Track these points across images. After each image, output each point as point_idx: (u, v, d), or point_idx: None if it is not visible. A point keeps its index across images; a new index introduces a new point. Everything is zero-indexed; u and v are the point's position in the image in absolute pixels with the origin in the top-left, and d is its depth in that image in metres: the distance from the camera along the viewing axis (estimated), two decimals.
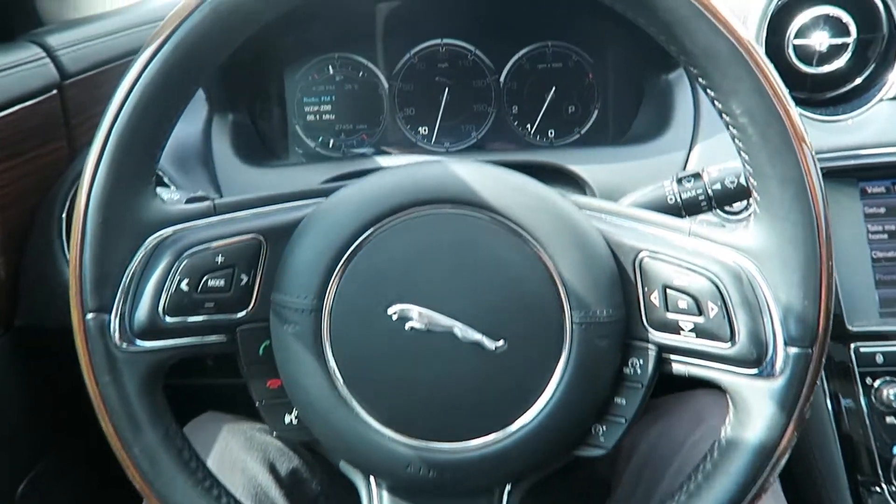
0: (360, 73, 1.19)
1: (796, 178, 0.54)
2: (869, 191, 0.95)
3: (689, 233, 0.62)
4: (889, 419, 0.89)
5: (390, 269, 0.63)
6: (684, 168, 1.00)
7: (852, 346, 0.90)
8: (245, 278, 0.68)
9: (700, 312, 0.59)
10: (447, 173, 0.68)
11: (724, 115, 0.55)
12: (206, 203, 0.69)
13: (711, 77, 0.55)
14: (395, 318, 0.61)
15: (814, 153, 0.57)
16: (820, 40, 1.03)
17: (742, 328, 0.58)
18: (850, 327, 0.91)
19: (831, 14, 1.03)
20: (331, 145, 1.21)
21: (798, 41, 1.04)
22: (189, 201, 0.82)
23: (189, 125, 1.09)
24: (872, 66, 0.97)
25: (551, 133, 1.20)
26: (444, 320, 0.60)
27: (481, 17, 1.14)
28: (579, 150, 1.03)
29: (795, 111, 0.54)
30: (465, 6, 1.11)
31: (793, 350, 0.57)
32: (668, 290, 0.61)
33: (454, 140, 1.20)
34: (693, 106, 1.04)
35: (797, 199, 0.55)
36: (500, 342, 0.61)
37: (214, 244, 0.63)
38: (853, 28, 1.03)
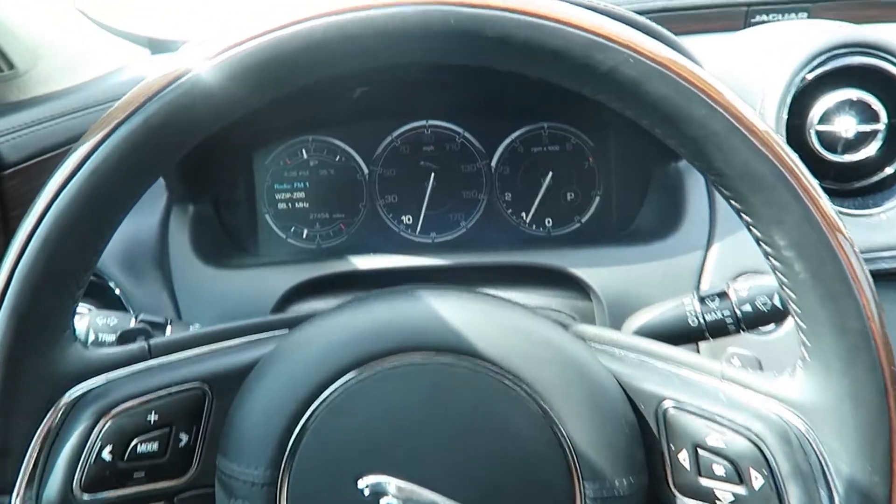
0: (337, 158, 1.12)
1: (858, 329, 0.46)
2: None
3: (722, 376, 0.54)
4: None
5: (361, 431, 0.53)
6: (701, 272, 0.89)
7: None
8: (185, 438, 0.56)
9: (741, 481, 0.50)
10: (428, 311, 0.56)
11: (763, 245, 0.48)
12: (138, 345, 0.58)
13: (749, 202, 0.48)
14: (366, 492, 0.51)
15: (876, 296, 0.47)
16: (846, 126, 0.93)
17: None
18: None
19: (859, 98, 0.93)
20: (305, 236, 1.13)
21: (822, 127, 0.94)
22: (122, 337, 0.69)
23: (144, 217, 0.99)
24: None
25: (548, 222, 1.13)
26: (427, 495, 0.51)
27: (470, 97, 1.07)
28: (582, 251, 0.95)
29: (853, 247, 0.47)
30: (451, 86, 1.04)
31: None
32: (701, 451, 0.52)
33: (441, 230, 1.12)
34: (707, 198, 0.95)
35: (859, 352, 0.46)
36: None
37: (146, 398, 0.54)
38: (884, 114, 0.92)
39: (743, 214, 0.48)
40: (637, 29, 0.51)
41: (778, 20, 1.40)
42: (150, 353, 0.57)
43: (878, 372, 0.46)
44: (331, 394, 0.53)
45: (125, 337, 0.68)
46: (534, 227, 1.12)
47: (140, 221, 0.98)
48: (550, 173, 1.11)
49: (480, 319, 0.55)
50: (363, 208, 1.12)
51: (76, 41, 1.16)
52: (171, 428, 0.55)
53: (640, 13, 1.33)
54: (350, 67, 0.49)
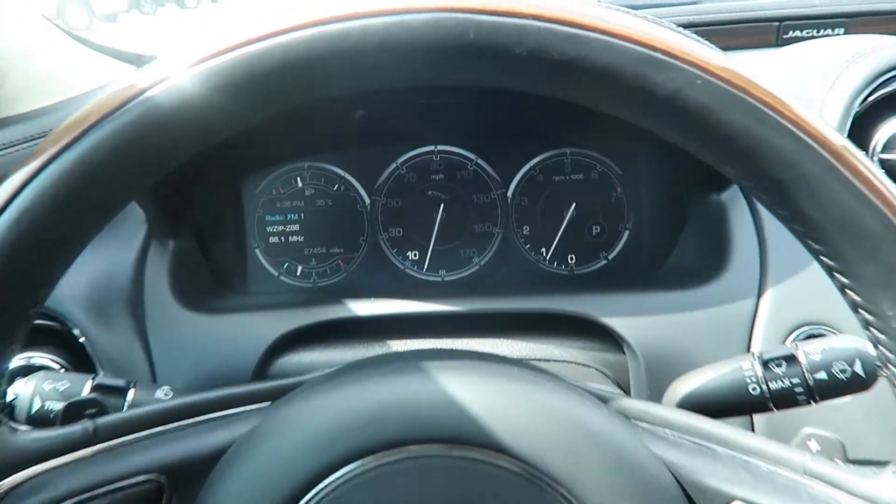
0: (336, 187, 1.03)
1: None
2: None
3: (805, 471, 0.45)
4: None
5: None
6: (752, 324, 0.78)
7: None
8: None
9: None
10: (441, 390, 0.46)
11: (864, 312, 0.40)
12: (81, 426, 0.48)
13: (848, 260, 0.40)
14: None
15: None
16: None
17: None
18: None
19: None
20: (299, 273, 1.03)
21: (886, 155, 0.82)
22: (67, 412, 0.58)
23: (117, 254, 0.89)
24: None
25: (571, 259, 1.03)
26: None
27: (484, 119, 1.01)
28: (613, 296, 0.85)
29: None
30: (464, 107, 0.96)
31: None
32: None
33: (451, 267, 1.03)
34: (756, 235, 0.85)
35: None
36: None
37: (90, 494, 0.45)
38: None
39: (838, 274, 0.41)
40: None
41: (813, 36, 1.29)
42: (96, 436, 0.48)
43: None
44: (323, 491, 0.43)
45: (71, 411, 0.57)
46: (555, 264, 1.03)
47: (113, 259, 0.88)
48: (574, 204, 1.02)
49: (504, 400, 0.46)
50: (364, 243, 1.03)
51: (49, 58, 1.06)
52: None
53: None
54: (336, 90, 0.41)
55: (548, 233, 1.03)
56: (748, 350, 0.80)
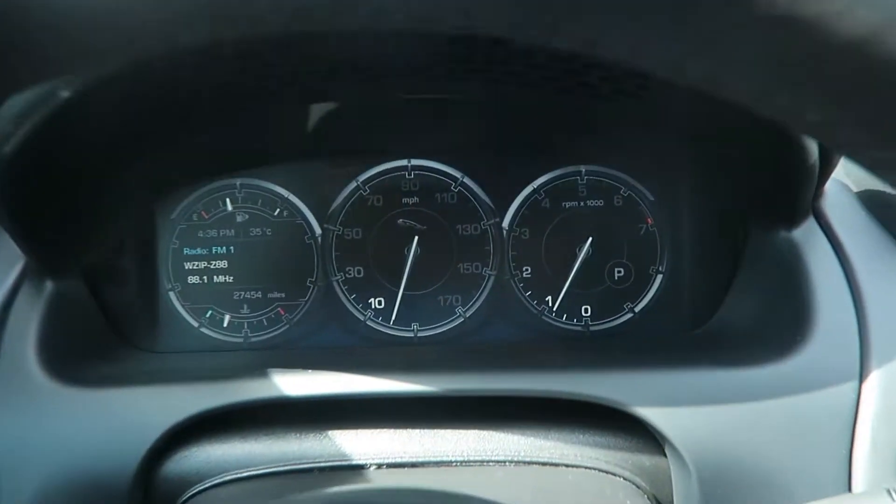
0: (277, 211, 0.84)
1: None
2: None
3: None
4: None
5: None
6: (854, 420, 0.59)
7: None
8: None
9: None
10: None
11: None
12: None
13: None
14: None
15: None
16: None
17: None
18: None
19: None
20: (226, 325, 0.84)
21: None
22: None
23: None
24: None
25: (586, 312, 0.83)
26: None
27: (475, 125, 0.81)
28: (647, 373, 0.64)
29: None
30: (448, 109, 0.76)
31: None
32: None
33: (427, 320, 0.84)
34: (847, 286, 0.65)
35: None
36: None
37: None
38: None
39: None
40: None
41: None
42: None
43: None
44: None
45: None
46: (564, 318, 0.84)
47: None
48: (590, 239, 0.84)
49: None
50: (313, 286, 0.85)
51: None
52: None
53: None
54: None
55: (555, 276, 0.85)
56: (849, 457, 0.59)
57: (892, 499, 0.43)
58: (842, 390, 0.60)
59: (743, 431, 0.60)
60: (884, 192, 0.72)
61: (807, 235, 0.69)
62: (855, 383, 0.60)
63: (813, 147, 0.62)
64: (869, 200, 0.72)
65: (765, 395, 0.61)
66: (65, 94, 0.51)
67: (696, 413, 0.61)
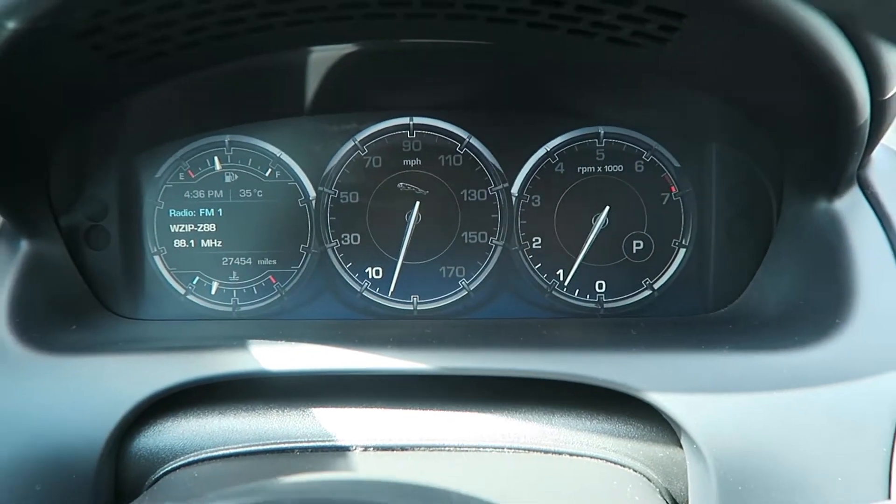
0: (269, 172, 0.79)
1: None
2: None
3: None
4: None
5: None
6: None
7: None
8: None
9: None
10: None
11: None
12: None
13: None
14: None
15: None
16: None
17: None
18: None
19: None
20: (214, 292, 0.80)
21: None
22: None
23: None
24: None
25: (600, 287, 0.77)
26: None
27: (485, 81, 0.74)
28: (664, 356, 0.59)
29: None
30: (458, 60, 0.70)
31: None
32: None
33: (428, 293, 0.79)
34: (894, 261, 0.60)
35: None
36: None
37: None
38: None
39: None
40: None
41: None
42: None
43: None
44: None
45: None
46: (575, 293, 0.79)
47: None
48: (607, 208, 0.78)
49: None
50: (306, 252, 0.80)
51: None
52: None
53: None
54: None
55: (568, 248, 0.79)
56: (890, 457, 0.54)
57: None
58: (885, 380, 0.54)
59: (769, 423, 0.54)
60: None
61: (850, 207, 0.63)
62: None
63: (865, 106, 0.55)
64: None
65: (797, 384, 0.55)
66: (11, 24, 0.46)
67: (718, 401, 0.55)
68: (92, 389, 0.62)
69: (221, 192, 0.79)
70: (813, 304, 0.63)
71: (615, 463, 0.60)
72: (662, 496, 0.58)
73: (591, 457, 0.60)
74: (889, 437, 0.53)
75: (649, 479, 0.60)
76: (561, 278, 0.78)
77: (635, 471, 0.60)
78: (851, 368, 0.56)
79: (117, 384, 0.62)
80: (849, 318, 0.58)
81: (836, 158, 0.57)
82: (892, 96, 0.61)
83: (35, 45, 0.47)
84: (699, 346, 0.61)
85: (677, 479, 0.59)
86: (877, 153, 0.65)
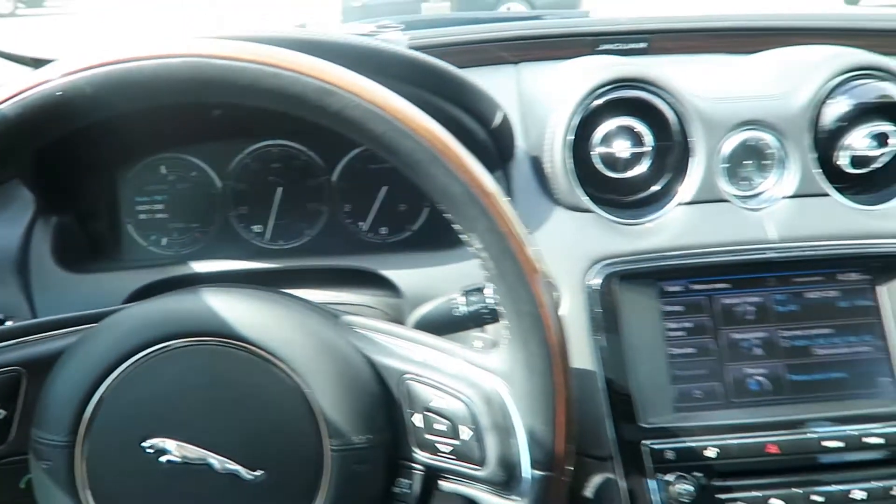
0: (193, 173, 1.18)
1: (531, 312, 0.58)
2: (667, 290, 1.00)
3: (455, 354, 0.65)
4: None
5: (147, 402, 0.64)
6: None
7: (646, 443, 0.92)
8: (2, 413, 0.67)
9: (456, 435, 0.62)
10: (204, 305, 0.69)
11: (470, 248, 0.58)
12: None
13: (452, 215, 0.58)
14: (151, 451, 0.62)
15: (549, 284, 0.59)
16: (622, 148, 1.10)
17: (491, 452, 0.61)
18: (643, 424, 0.93)
19: (630, 125, 1.10)
20: (164, 244, 1.20)
21: (602, 149, 1.10)
22: None
23: (9, 229, 1.06)
24: (669, 172, 1.04)
25: (384, 230, 1.21)
26: (200, 452, 0.62)
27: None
28: (397, 255, 1.03)
29: (530, 247, 0.57)
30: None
31: (536, 473, 0.60)
32: (427, 413, 0.64)
33: (288, 238, 1.20)
34: None
35: (533, 331, 0.58)
36: (258, 472, 0.63)
37: None
38: (649, 137, 1.10)
39: (454, 224, 0.59)
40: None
41: (621, 48, 1.59)
42: None
43: (544, 347, 0.58)
44: (120, 372, 0.64)
45: None
46: (371, 234, 1.20)
47: (5, 232, 1.06)
48: (385, 188, 1.18)
49: (250, 312, 0.67)
50: (217, 219, 1.18)
51: None
52: None
53: (495, 41, 1.49)
54: (138, 105, 0.57)
55: (364, 210, 1.19)
56: None
57: (461, 292, 0.83)
58: None
59: (436, 280, 0.98)
60: None
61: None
62: None
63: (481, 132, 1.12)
64: None
65: (453, 261, 1.02)
66: None
67: (414, 273, 0.99)
68: (109, 287, 1.02)
69: (166, 185, 1.16)
70: None
71: (370, 307, 1.02)
72: (389, 319, 0.98)
73: (359, 305, 1.02)
74: (463, 293, 0.87)
75: (385, 313, 1.00)
76: (362, 226, 1.20)
77: (380, 311, 1.01)
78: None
79: (123, 281, 1.02)
80: None
81: None
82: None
83: None
84: (418, 250, 1.06)
85: (401, 314, 0.99)
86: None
